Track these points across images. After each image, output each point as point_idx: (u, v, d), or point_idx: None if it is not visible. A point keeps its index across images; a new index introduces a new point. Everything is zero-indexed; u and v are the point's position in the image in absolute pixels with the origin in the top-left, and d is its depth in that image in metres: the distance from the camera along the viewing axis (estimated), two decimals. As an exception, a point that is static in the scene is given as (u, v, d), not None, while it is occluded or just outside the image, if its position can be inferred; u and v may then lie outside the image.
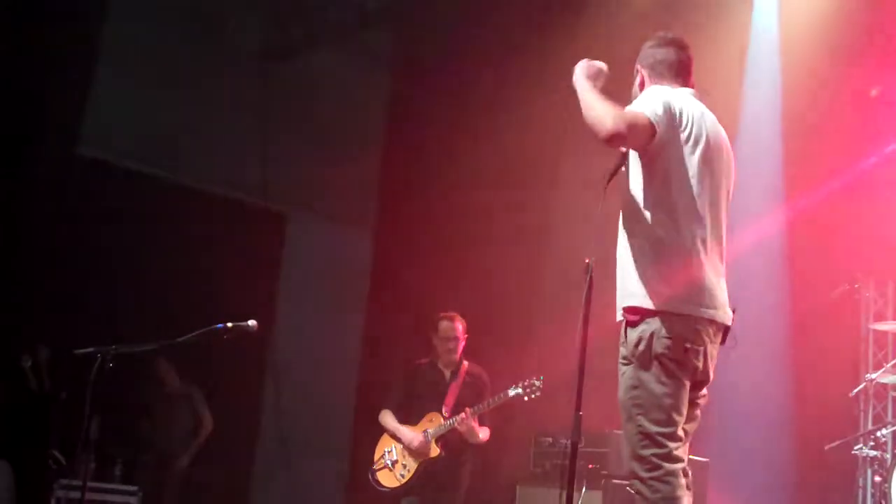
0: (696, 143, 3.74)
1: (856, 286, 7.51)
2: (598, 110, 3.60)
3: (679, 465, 3.57)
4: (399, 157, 10.53)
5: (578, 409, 3.90)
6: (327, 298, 10.47)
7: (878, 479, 6.77)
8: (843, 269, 7.66)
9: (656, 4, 7.94)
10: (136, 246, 8.90)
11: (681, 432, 3.62)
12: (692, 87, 4.00)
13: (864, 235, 7.81)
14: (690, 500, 3.57)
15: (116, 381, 5.39)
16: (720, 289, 3.77)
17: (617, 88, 3.89)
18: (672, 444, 3.58)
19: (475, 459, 6.75)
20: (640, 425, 3.59)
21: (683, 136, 3.73)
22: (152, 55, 9.31)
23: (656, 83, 3.98)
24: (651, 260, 3.69)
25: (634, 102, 3.83)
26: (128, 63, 9.19)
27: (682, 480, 3.57)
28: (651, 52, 4.05)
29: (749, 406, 8.08)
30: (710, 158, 3.77)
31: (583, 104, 3.69)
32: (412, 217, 10.00)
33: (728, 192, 3.92)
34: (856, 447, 7.11)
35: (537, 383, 6.34)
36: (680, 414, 3.62)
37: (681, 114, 3.74)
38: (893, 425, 6.86)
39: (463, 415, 6.40)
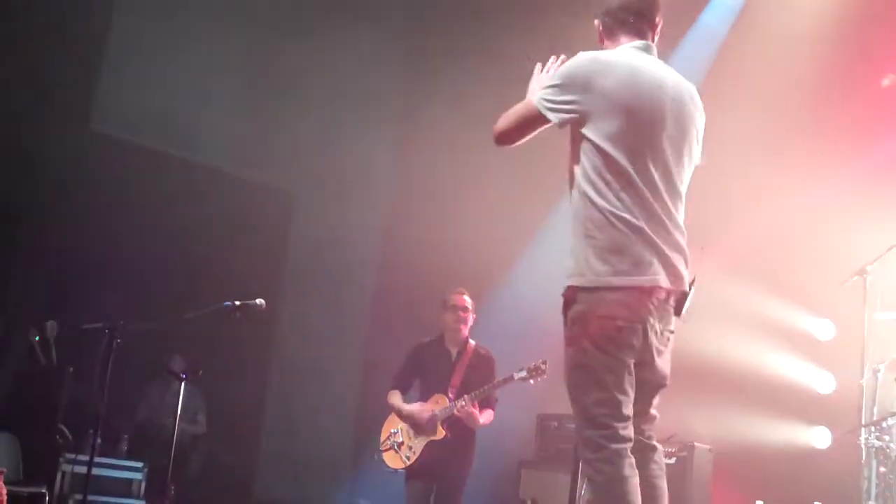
0: (617, 113, 3.58)
1: (865, 276, 7.46)
2: None
3: (624, 445, 3.48)
4: (410, 136, 10.50)
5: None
6: (334, 278, 10.48)
7: (883, 469, 6.75)
8: (852, 259, 7.62)
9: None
10: (143, 222, 8.93)
11: (626, 411, 3.52)
12: (645, 37, 3.82)
13: (871, 225, 7.77)
14: (636, 479, 3.47)
15: (123, 359, 5.43)
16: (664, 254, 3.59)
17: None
18: (617, 424, 3.49)
19: (480, 442, 6.75)
20: (584, 407, 3.52)
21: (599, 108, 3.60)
22: (162, 31, 9.30)
23: (609, 37, 3.86)
24: (584, 234, 3.60)
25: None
26: (138, 38, 9.19)
27: (629, 460, 3.47)
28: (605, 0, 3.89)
29: (751, 393, 8.09)
30: (641, 124, 3.59)
31: None
32: (422, 196, 9.99)
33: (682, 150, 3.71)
34: (861, 437, 7.09)
35: (543, 367, 6.31)
36: (623, 393, 3.52)
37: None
38: (900, 416, 6.82)
39: (462, 402, 6.40)
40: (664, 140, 3.63)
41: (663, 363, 3.69)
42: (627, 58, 3.73)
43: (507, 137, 3.84)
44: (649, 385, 3.68)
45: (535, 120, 3.75)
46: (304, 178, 10.45)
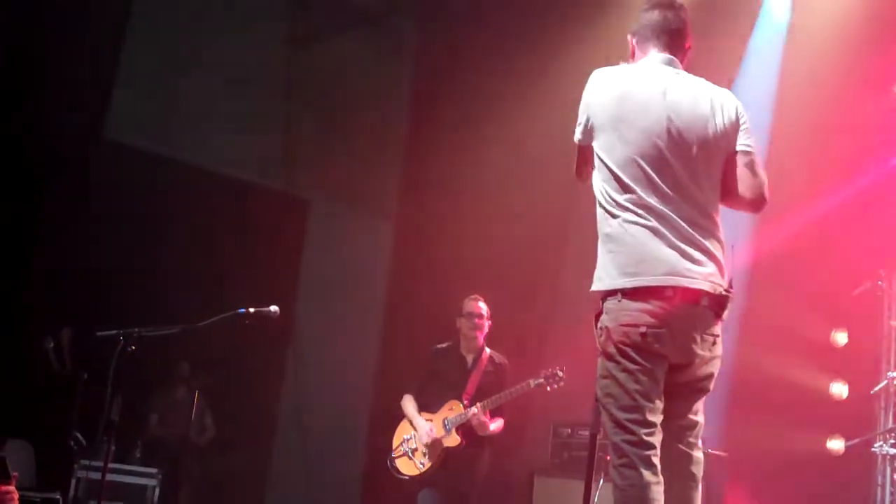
0: (611, 127, 3.66)
1: (879, 283, 7.45)
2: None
3: (648, 452, 3.50)
4: (422, 146, 10.53)
5: (597, 400, 3.87)
6: (348, 285, 10.49)
7: (897, 476, 6.74)
8: (866, 266, 7.61)
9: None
10: (159, 230, 8.96)
11: (653, 418, 3.54)
12: (673, 53, 3.83)
13: (888, 232, 7.76)
14: (660, 486, 3.47)
15: (136, 366, 5.45)
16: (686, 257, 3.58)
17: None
18: (641, 431, 3.52)
19: (493, 448, 6.74)
20: (611, 413, 3.57)
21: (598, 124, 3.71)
22: (177, 40, 9.35)
23: (641, 49, 3.90)
24: (605, 248, 3.67)
25: None
26: (153, 47, 9.24)
27: (653, 467, 3.49)
28: (639, 15, 3.95)
29: (765, 400, 8.06)
30: (636, 135, 3.61)
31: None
32: (434, 205, 10.00)
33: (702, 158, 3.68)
34: (875, 445, 7.08)
35: (560, 374, 6.29)
36: (648, 400, 3.54)
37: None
38: (914, 423, 6.82)
39: (475, 409, 6.40)
40: (667, 147, 3.63)
41: (706, 368, 3.67)
42: (632, 71, 3.79)
43: (576, 173, 3.91)
44: (687, 389, 3.67)
45: (577, 146, 3.82)
46: (319, 186, 10.47)
